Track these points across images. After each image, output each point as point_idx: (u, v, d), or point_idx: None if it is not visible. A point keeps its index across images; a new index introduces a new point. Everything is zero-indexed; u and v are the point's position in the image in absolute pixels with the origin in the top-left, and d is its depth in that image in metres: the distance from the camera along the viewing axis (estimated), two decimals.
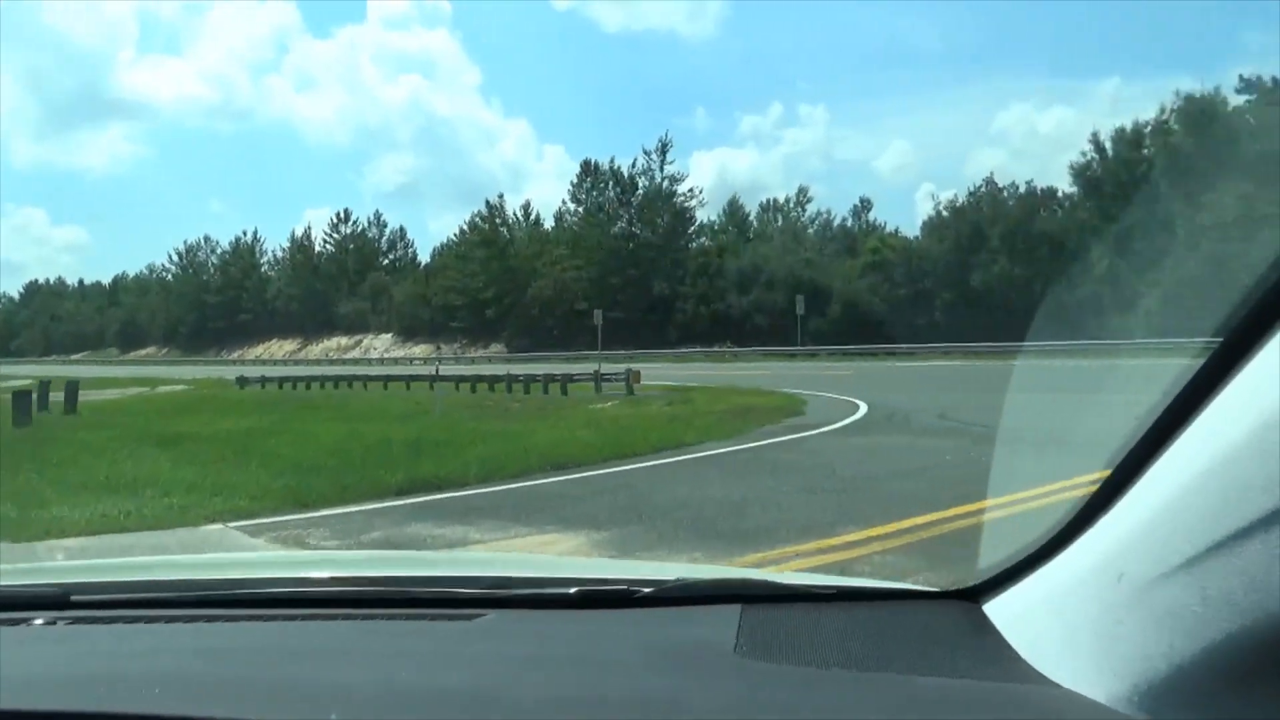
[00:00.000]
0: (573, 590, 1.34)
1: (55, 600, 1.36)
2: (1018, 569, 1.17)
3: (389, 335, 71.41)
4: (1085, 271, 39.76)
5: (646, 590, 1.34)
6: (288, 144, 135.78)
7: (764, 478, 8.69)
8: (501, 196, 67.17)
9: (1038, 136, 68.52)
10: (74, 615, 1.33)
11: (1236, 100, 40.95)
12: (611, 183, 59.55)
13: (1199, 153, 37.60)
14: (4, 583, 1.50)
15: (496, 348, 59.27)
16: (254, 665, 1.16)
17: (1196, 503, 0.83)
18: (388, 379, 31.28)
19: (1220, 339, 0.83)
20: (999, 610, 1.19)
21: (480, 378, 26.63)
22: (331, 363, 59.32)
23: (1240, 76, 42.08)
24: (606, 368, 25.53)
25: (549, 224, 65.84)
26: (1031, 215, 43.30)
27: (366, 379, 31.64)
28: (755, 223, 62.76)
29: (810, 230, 59.08)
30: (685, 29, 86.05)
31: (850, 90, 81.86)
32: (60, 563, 3.13)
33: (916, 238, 48.85)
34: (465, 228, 68.31)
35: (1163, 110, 40.58)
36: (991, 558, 1.29)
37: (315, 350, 75.24)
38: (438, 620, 1.31)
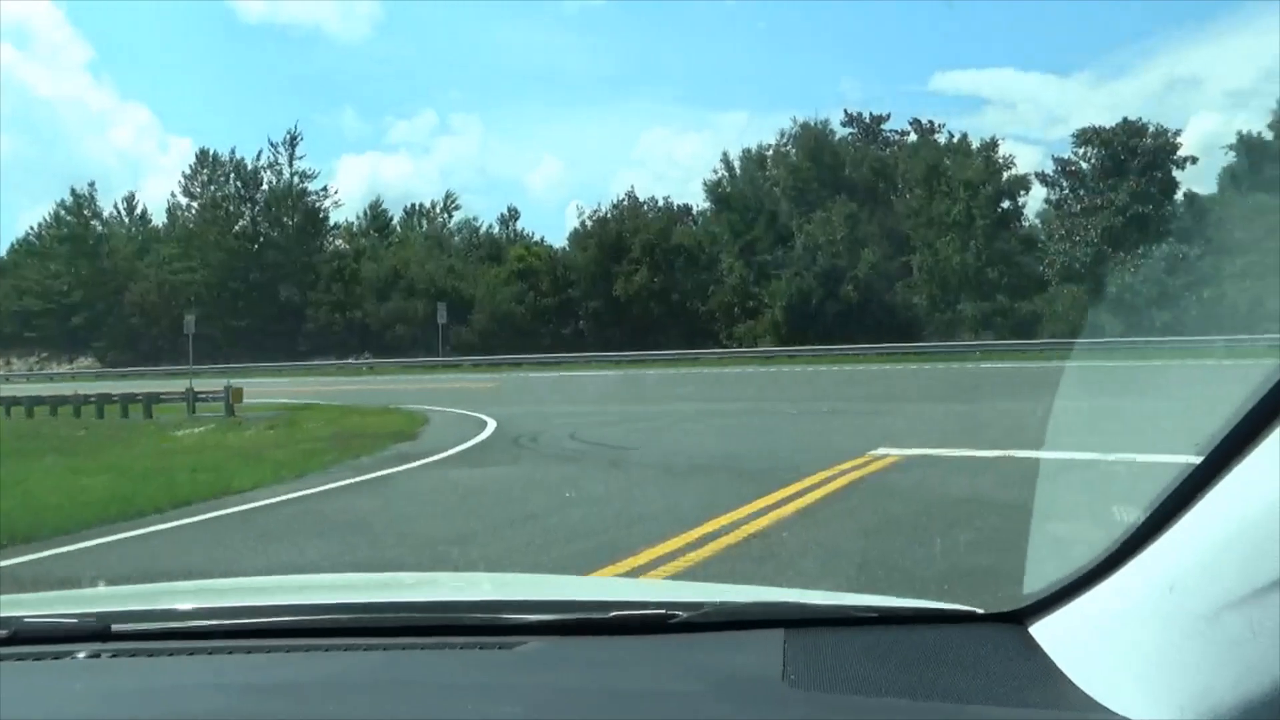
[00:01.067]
0: (610, 615, 1.34)
1: (96, 632, 1.34)
2: (1065, 592, 1.16)
3: None
4: (718, 281, 41.38)
5: (684, 615, 1.33)
6: None
7: (301, 544, 6.37)
8: (93, 185, 57.02)
9: (676, 161, 72.28)
10: (115, 648, 1.32)
11: (842, 132, 45.37)
12: (233, 175, 53.05)
13: (812, 175, 40.63)
14: (44, 612, 1.46)
15: (86, 361, 50.28)
16: (297, 701, 1.15)
17: (1264, 532, 0.80)
18: None
19: None
20: (1046, 633, 1.18)
21: (46, 399, 22.27)
22: None
23: (845, 111, 46.65)
24: (210, 385, 21.43)
25: (161, 221, 57.47)
26: (669, 228, 44.42)
27: None
28: (399, 228, 59.23)
29: (456, 238, 56.74)
30: (334, 27, 79.78)
31: (504, 104, 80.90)
32: (99, 589, 2.60)
33: (564, 248, 48.43)
34: (48, 220, 57.55)
35: (783, 135, 43.68)
36: (1034, 581, 1.36)
37: None
38: (480, 650, 1.30)
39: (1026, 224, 39.96)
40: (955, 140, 41.51)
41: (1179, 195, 36.45)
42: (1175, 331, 31.47)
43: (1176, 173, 36.24)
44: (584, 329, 43.54)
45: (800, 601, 1.44)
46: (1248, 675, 0.80)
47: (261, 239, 52.01)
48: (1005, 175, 39.60)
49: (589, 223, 45.26)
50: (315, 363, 43.01)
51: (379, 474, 9.60)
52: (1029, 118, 64.49)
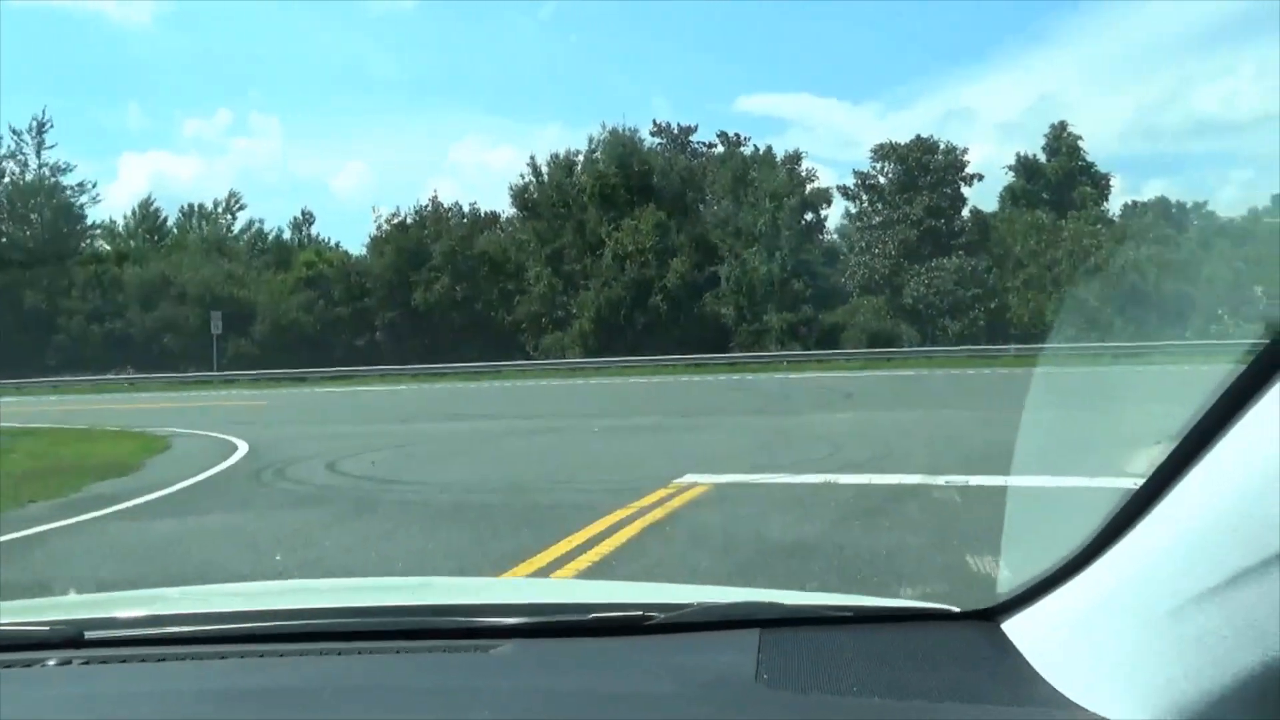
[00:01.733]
0: (589, 617, 1.34)
1: (68, 639, 1.32)
2: (1038, 589, 1.16)
3: None
4: (525, 290, 39.64)
5: (661, 617, 1.33)
6: None
7: None
8: None
9: (489, 170, 69.96)
10: (88, 655, 1.30)
11: (651, 142, 44.86)
12: None
13: (621, 183, 39.67)
14: (15, 619, 1.44)
15: None
16: (273, 706, 1.15)
17: (1229, 526, 0.82)
18: None
19: (1265, 342, 0.82)
20: (1019, 630, 1.19)
21: None
22: None
23: (654, 122, 46.21)
24: None
25: None
26: (473, 235, 42.30)
27: None
28: (175, 230, 53.68)
29: (240, 242, 52.01)
30: (117, 14, 71.42)
31: (307, 106, 75.28)
32: (72, 597, 2.38)
33: (361, 255, 45.14)
34: None
35: (592, 142, 42.47)
36: (1008, 580, 1.32)
37: None
38: (456, 653, 1.30)
39: (829, 237, 40.76)
40: (761, 152, 41.83)
41: (966, 211, 38.15)
42: (965, 341, 32.60)
43: (964, 189, 37.96)
44: (380, 340, 40.57)
45: (776, 601, 1.45)
46: (1213, 670, 0.81)
47: (2, 238, 45.59)
48: (809, 188, 40.22)
49: (387, 227, 42.36)
50: (67, 379, 37.80)
51: (44, 528, 7.26)
52: (826, 139, 67.28)
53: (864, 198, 38.64)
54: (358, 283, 41.35)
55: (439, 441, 13.44)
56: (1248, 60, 57.54)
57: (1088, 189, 40.49)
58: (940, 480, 7.79)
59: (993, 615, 1.26)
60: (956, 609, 1.34)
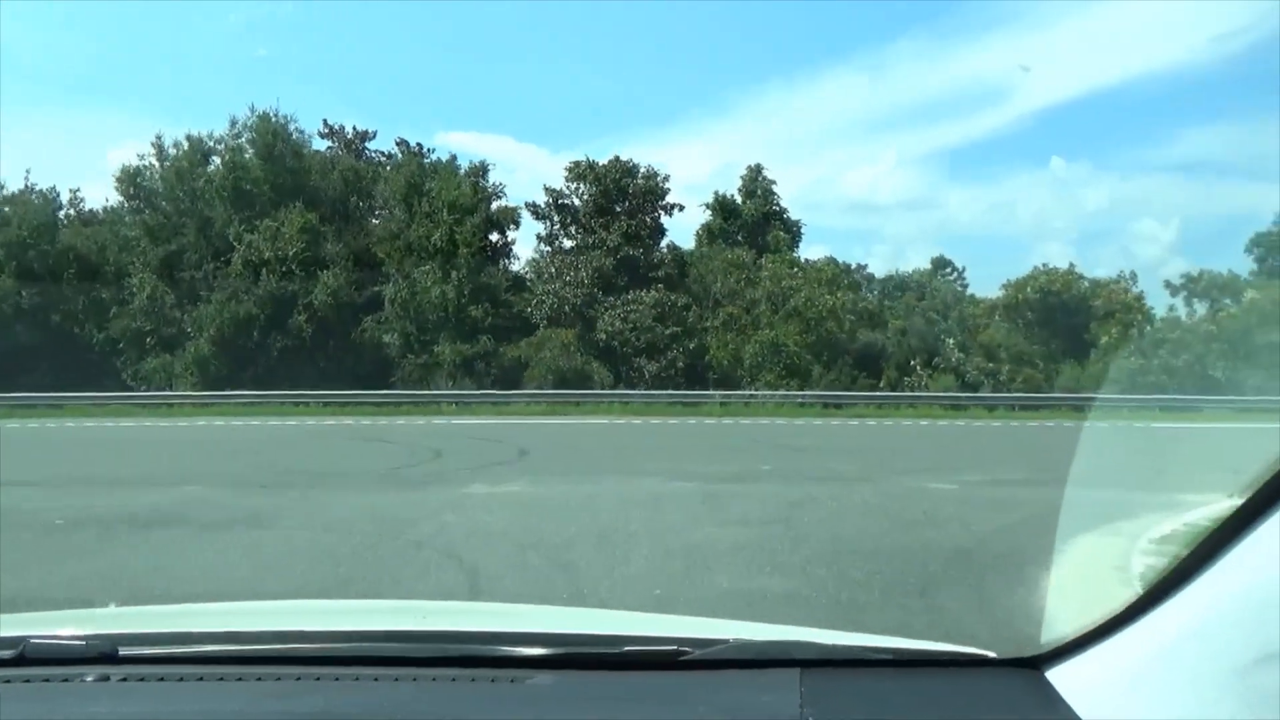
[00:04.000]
0: (623, 650, 1.32)
1: (103, 654, 1.31)
2: (1086, 639, 1.13)
3: None
4: (124, 300, 30.73)
5: (697, 653, 1.30)
6: None
7: None
8: None
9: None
10: (125, 671, 1.29)
11: (320, 145, 37.95)
12: None
13: (266, 175, 32.22)
14: (50, 631, 1.43)
15: None
16: None
17: None
18: None
19: None
20: (1064, 680, 1.15)
21: None
22: None
23: (325, 122, 39.17)
24: None
25: None
26: (53, 225, 32.67)
27: None
28: None
29: None
30: None
31: None
32: (110, 609, 2.36)
33: None
34: None
35: (234, 124, 34.36)
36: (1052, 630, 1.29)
37: None
38: (492, 683, 1.28)
39: (516, 260, 35.78)
40: (444, 161, 36.14)
41: (664, 243, 34.86)
42: (666, 384, 28.84)
43: (665, 219, 34.61)
44: None
45: (816, 641, 1.40)
46: None
47: None
48: (496, 205, 35.10)
49: None
50: None
51: None
52: (528, 185, 64.87)
53: (556, 218, 34.06)
54: None
55: None
56: (889, 151, 64.67)
57: (781, 233, 39.03)
58: None
59: (1037, 664, 1.23)
60: (996, 655, 1.31)
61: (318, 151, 37.53)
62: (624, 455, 14.82)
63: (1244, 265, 37.74)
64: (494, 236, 34.87)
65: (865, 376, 31.82)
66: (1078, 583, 5.83)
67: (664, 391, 26.64)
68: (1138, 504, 8.35)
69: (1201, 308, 33.77)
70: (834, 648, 1.36)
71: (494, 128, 75.28)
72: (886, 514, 9.00)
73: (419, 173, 34.22)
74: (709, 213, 39.95)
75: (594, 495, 10.18)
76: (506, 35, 62.88)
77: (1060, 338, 32.65)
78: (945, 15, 63.39)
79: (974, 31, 62.42)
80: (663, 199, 34.27)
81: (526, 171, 65.49)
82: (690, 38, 63.42)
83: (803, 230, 40.35)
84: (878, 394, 28.45)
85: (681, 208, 34.89)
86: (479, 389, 27.76)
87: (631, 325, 30.08)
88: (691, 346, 30.51)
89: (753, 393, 26.92)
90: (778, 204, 40.08)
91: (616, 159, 34.20)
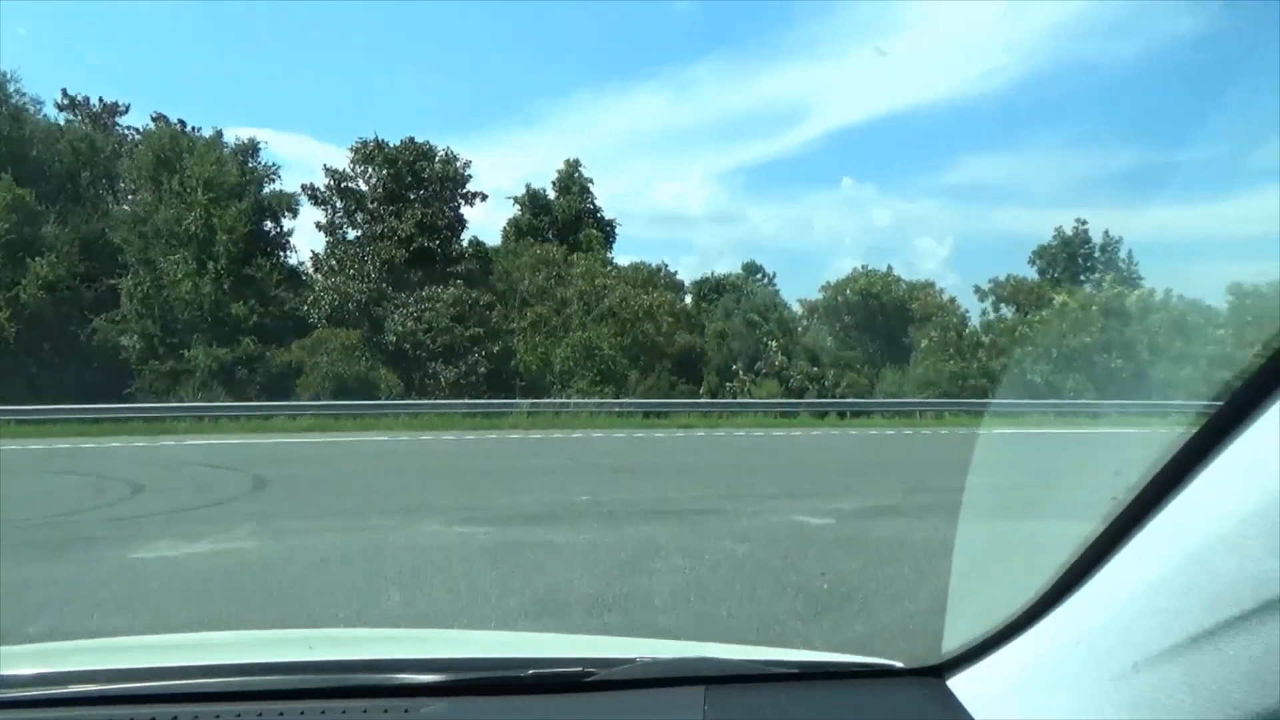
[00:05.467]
0: (527, 673, 1.26)
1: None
2: (985, 646, 1.13)
3: None
4: None
5: (603, 674, 1.27)
6: None
7: None
8: None
9: None
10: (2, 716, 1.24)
11: (59, 117, 31.87)
12: None
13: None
14: None
15: None
16: None
17: (1183, 586, 0.79)
18: None
19: (1219, 403, 0.79)
20: (965, 687, 1.15)
21: None
22: None
23: (64, 92, 33.10)
24: None
25: None
26: None
27: None
28: None
29: None
30: None
31: None
32: (26, 646, 2.21)
33: None
34: None
35: None
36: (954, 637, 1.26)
37: None
38: (384, 713, 1.18)
39: (293, 253, 31.11)
40: (207, 135, 30.93)
41: (466, 237, 31.26)
42: (464, 393, 25.30)
43: (466, 210, 30.97)
44: None
45: (721, 658, 1.38)
46: None
47: None
48: (269, 189, 30.38)
49: None
50: None
51: None
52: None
53: (338, 204, 29.66)
54: None
55: None
56: (697, 165, 65.78)
57: (595, 232, 36.40)
58: None
59: (939, 672, 1.22)
60: (901, 665, 1.30)
61: (49, 122, 31.47)
62: (401, 484, 11.37)
63: (1029, 275, 39.03)
64: (267, 225, 30.14)
65: (685, 382, 29.54)
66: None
67: (462, 401, 23.07)
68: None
69: (1009, 311, 33.93)
70: (739, 663, 1.36)
71: (291, 126, 70.83)
72: (760, 572, 6.15)
73: (172, 146, 28.97)
74: (518, 207, 36.83)
75: (333, 555, 6.78)
76: (314, 36, 59.00)
77: (880, 340, 31.70)
78: (746, 40, 65.27)
79: (772, 57, 64.68)
80: (463, 186, 30.67)
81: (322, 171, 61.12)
82: (497, 48, 63.05)
83: (616, 228, 38.05)
84: (703, 401, 26.13)
85: (484, 196, 31.42)
86: (243, 399, 23.19)
87: (426, 326, 26.30)
88: (496, 350, 27.10)
89: (565, 400, 23.88)
90: (592, 202, 37.50)
91: (411, 140, 30.33)
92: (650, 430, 20.65)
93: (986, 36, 62.03)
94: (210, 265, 25.89)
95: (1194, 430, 0.79)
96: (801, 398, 26.72)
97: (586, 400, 23.94)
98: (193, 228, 26.19)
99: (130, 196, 29.32)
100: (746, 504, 9.38)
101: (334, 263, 28.28)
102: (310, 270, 29.41)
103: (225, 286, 25.86)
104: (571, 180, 37.13)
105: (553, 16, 64.55)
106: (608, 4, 63.75)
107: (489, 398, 24.35)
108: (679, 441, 17.73)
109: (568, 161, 37.19)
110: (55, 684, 1.29)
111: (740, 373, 29.01)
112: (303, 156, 69.64)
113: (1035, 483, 9.58)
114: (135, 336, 25.34)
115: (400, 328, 26.20)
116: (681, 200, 66.60)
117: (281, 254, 30.69)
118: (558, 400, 23.95)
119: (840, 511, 8.82)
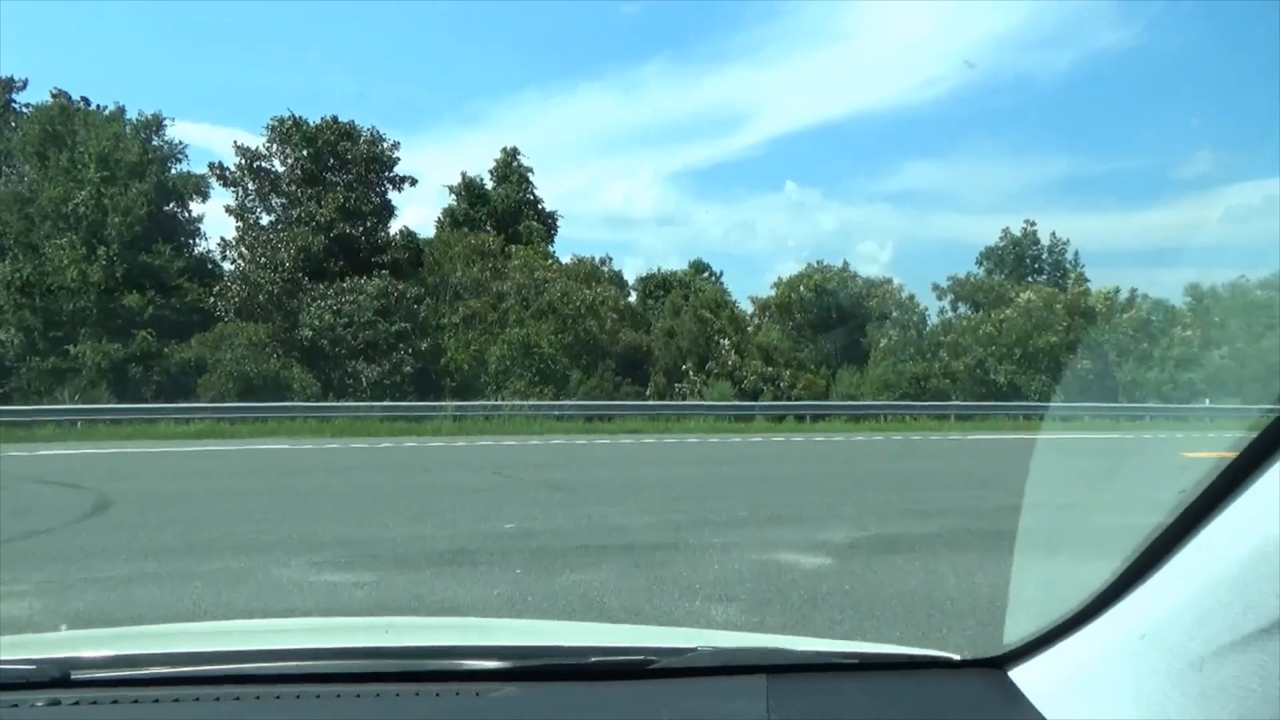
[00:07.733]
0: (590, 660, 1.29)
1: (54, 679, 1.26)
2: (1047, 638, 1.13)
3: None
4: None
5: (664, 661, 1.28)
6: None
7: None
8: None
9: None
10: (77, 695, 1.23)
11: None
12: None
13: None
14: (1, 657, 1.34)
15: None
16: None
17: (1255, 577, 0.78)
18: None
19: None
20: (1027, 679, 1.15)
21: None
22: None
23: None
24: None
25: None
26: None
27: None
28: None
29: None
30: None
31: None
32: (61, 634, 2.46)
33: None
34: None
35: None
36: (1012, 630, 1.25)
37: None
38: (456, 696, 1.23)
39: (203, 240, 28.35)
40: (107, 110, 28.00)
41: (395, 225, 28.75)
42: (387, 394, 22.94)
43: (395, 195, 28.48)
44: None
45: (782, 647, 1.39)
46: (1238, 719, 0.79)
47: None
48: (176, 169, 27.62)
49: None
50: None
51: None
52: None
53: (250, 186, 26.96)
54: None
55: None
56: (644, 167, 65.11)
57: (535, 224, 34.23)
58: None
59: (1000, 664, 1.22)
60: (960, 657, 1.30)
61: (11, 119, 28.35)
62: (279, 506, 9.13)
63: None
64: (171, 206, 27.36)
65: (630, 383, 27.51)
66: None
67: (378, 403, 20.67)
68: None
69: (966, 309, 32.55)
70: (800, 653, 1.36)
71: (221, 120, 68.27)
72: None
73: (63, 120, 26.10)
74: (453, 197, 34.47)
75: (144, 617, 4.62)
76: (252, 28, 56.66)
77: (836, 340, 30.03)
78: (691, 43, 64.87)
79: (717, 60, 64.07)
80: (391, 169, 28.19)
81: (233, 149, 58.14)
82: (438, 44, 61.97)
83: (559, 225, 35.91)
84: (651, 404, 24.08)
85: (414, 181, 28.92)
86: (138, 401, 20.54)
87: (346, 320, 23.83)
88: (424, 347, 24.72)
89: (496, 403, 21.66)
90: (532, 193, 35.30)
91: (334, 118, 27.75)
92: (593, 436, 18.56)
93: (927, 46, 62.17)
94: (101, 250, 23.12)
95: (1267, 424, 0.77)
96: (756, 399, 24.87)
97: (522, 402, 21.77)
98: (82, 209, 23.41)
99: (12, 173, 26.34)
100: (714, 534, 7.38)
101: (244, 250, 25.64)
102: (218, 258, 26.73)
103: (118, 274, 23.12)
104: (509, 169, 34.91)
105: (497, 14, 63.11)
106: (553, 3, 62.48)
107: (417, 399, 22.04)
108: (626, 450, 15.68)
109: (505, 150, 35.00)
110: (132, 665, 1.29)
111: (690, 373, 27.05)
112: (227, 152, 66.68)
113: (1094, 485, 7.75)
114: (13, 329, 22.47)
115: (317, 322, 23.70)
116: (628, 201, 65.70)
117: (189, 241, 27.94)
118: (489, 403, 21.72)
119: (834, 546, 6.87)
